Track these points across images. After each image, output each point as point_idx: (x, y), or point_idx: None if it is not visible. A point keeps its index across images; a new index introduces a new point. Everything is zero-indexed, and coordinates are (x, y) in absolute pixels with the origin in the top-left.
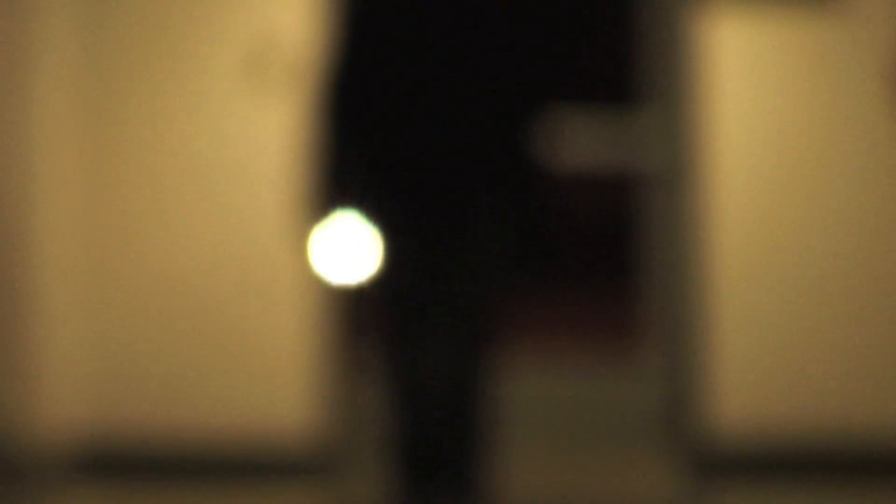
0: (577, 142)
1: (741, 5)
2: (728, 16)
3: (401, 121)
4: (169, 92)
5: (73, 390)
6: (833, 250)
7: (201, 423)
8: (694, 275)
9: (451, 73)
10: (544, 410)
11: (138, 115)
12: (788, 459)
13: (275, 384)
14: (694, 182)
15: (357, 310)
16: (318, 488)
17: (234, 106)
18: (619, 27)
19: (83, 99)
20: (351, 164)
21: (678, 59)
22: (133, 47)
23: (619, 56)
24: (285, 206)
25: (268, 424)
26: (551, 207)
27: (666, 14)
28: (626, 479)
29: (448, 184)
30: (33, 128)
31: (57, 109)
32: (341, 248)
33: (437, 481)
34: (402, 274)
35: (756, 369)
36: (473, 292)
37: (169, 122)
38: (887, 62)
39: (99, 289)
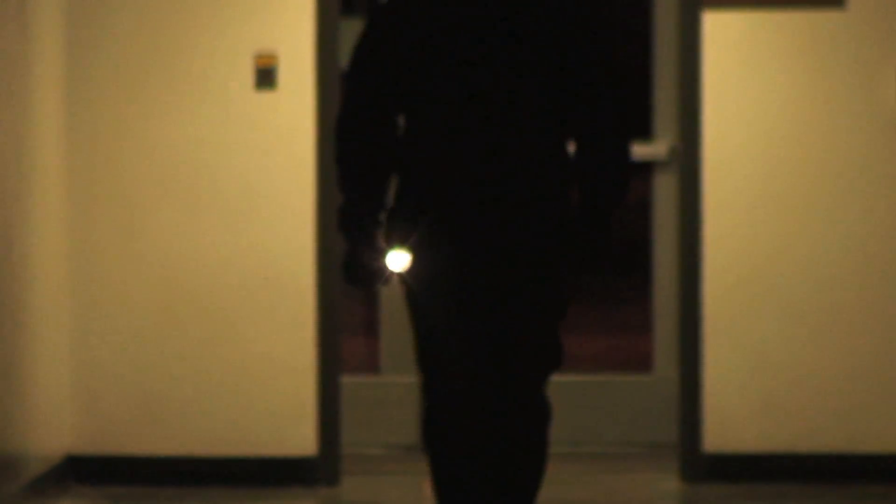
0: None
1: None
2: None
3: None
4: (169, 96)
5: (67, 397)
6: (835, 246)
7: (199, 434)
8: (691, 275)
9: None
10: None
11: (137, 124)
12: (786, 466)
13: (277, 393)
14: (694, 170)
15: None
16: (321, 499)
17: (238, 113)
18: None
19: (81, 102)
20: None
21: (681, 44)
22: (134, 48)
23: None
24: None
25: (268, 432)
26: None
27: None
28: (624, 483)
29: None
30: (28, 133)
31: (53, 113)
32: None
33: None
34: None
35: (753, 374)
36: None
37: (169, 133)
38: None
39: (93, 295)
